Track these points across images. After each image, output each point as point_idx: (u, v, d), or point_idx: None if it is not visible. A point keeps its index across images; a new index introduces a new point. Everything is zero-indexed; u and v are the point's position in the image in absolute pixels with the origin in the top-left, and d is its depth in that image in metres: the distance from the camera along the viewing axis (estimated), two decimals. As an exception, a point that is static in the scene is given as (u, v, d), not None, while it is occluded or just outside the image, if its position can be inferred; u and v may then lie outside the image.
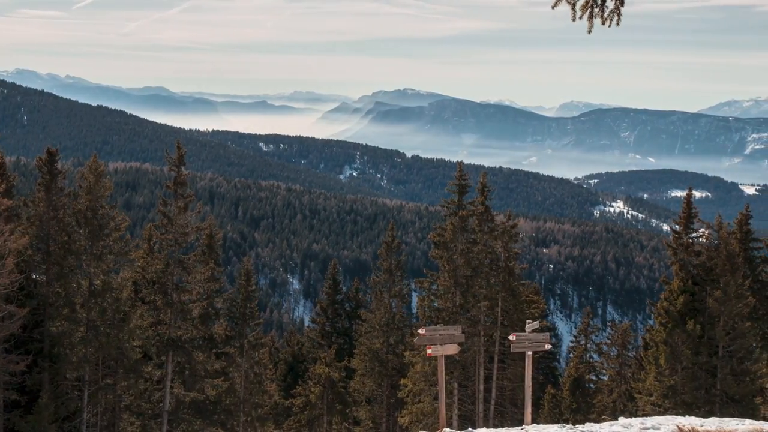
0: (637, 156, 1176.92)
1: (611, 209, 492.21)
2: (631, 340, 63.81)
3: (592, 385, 67.61)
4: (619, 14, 14.51)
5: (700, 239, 49.21)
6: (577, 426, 26.72)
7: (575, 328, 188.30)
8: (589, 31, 14.66)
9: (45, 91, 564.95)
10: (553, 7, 14.32)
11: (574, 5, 14.49)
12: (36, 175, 44.61)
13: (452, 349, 29.12)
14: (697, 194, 60.65)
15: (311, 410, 60.07)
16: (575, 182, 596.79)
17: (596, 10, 14.46)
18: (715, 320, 46.47)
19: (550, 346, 31.27)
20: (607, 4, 14.48)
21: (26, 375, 39.26)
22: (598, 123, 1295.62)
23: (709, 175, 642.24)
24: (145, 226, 56.28)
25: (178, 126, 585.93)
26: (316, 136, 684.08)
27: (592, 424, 27.55)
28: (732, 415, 39.97)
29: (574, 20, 14.46)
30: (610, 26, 14.46)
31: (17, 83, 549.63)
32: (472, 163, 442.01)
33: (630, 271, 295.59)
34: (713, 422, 26.81)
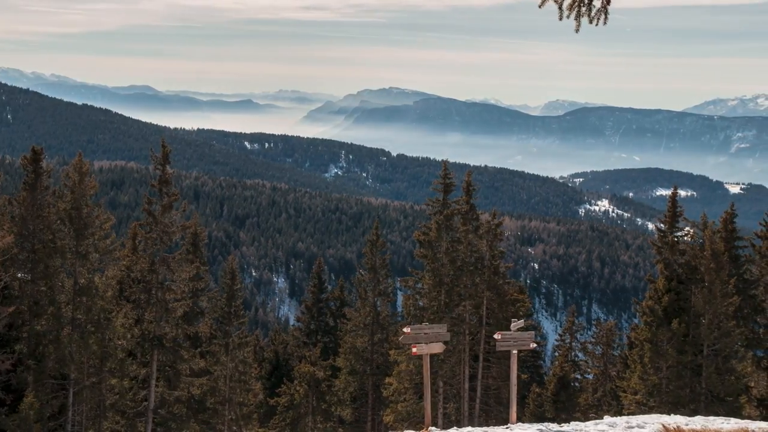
0: (623, 155, 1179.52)
1: (596, 208, 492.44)
2: (616, 338, 64.09)
3: (577, 384, 67.82)
4: (606, 13, 14.53)
5: (685, 238, 49.34)
6: (562, 425, 26.77)
7: (560, 326, 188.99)
8: (577, 30, 14.68)
9: (30, 89, 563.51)
10: (540, 6, 14.32)
11: (561, 4, 14.49)
12: (21, 173, 44.45)
13: (437, 348, 29.07)
14: (682, 193, 60.84)
15: (296, 409, 59.97)
16: (560, 181, 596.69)
17: (583, 9, 14.46)
18: (700, 319, 46.62)
19: (535, 345, 31.25)
20: (593, 3, 14.50)
21: (11, 374, 39.06)
22: (583, 122, 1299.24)
23: (695, 173, 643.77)
24: (130, 225, 56.20)
25: (163, 125, 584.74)
26: (302, 135, 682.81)
27: (577, 422, 27.59)
28: (717, 414, 40.08)
29: (561, 19, 14.46)
30: (597, 25, 14.49)
31: (2, 82, 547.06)
32: (457, 161, 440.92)
33: (615, 270, 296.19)
34: (698, 421, 26.90)
